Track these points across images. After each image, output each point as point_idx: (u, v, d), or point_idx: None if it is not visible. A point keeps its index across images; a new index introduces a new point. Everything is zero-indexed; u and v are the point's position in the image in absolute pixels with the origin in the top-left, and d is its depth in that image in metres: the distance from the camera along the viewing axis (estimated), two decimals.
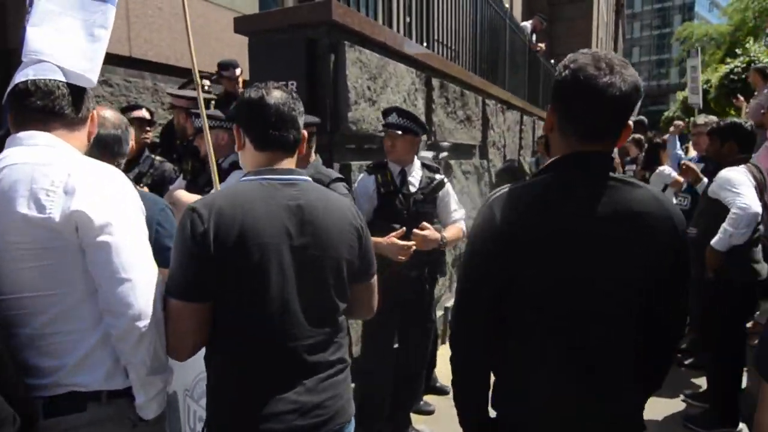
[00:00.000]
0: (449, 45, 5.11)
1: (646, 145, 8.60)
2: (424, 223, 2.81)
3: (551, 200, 1.21)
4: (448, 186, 3.03)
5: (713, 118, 4.46)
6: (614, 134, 1.24)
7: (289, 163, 1.48)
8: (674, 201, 4.44)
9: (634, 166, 7.83)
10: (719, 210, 3.04)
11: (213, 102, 3.96)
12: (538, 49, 9.20)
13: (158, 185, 3.20)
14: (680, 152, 6.55)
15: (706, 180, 3.53)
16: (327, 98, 2.93)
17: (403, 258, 2.74)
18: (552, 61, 11.48)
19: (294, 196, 1.40)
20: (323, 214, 1.43)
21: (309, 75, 2.86)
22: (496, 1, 6.61)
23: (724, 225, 2.94)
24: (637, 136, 8.37)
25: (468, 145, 5.35)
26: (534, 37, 9.39)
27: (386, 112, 2.86)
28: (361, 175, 2.90)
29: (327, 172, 2.61)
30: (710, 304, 3.10)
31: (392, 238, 2.72)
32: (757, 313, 3.83)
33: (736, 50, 15.70)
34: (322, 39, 2.89)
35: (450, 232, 3.05)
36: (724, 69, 12.33)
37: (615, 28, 29.83)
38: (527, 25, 9.41)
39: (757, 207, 2.89)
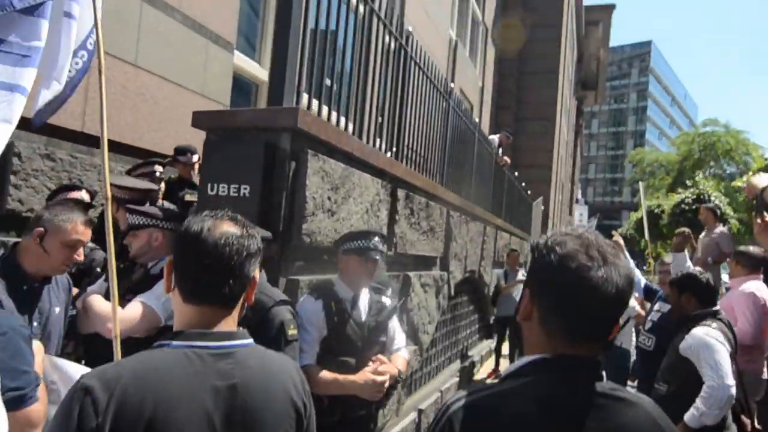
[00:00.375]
0: (419, 152, 5.07)
1: None
2: (381, 356, 2.58)
3: (529, 421, 0.95)
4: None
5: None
6: (606, 334, 1.02)
7: (227, 321, 1.19)
8: (635, 340, 4.28)
9: None
10: (692, 369, 2.87)
11: (161, 190, 3.69)
12: (504, 162, 9.43)
13: (82, 275, 2.83)
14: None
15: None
16: (282, 207, 2.69)
17: (379, 397, 2.45)
18: (516, 173, 11.84)
19: (226, 373, 1.11)
20: (260, 396, 1.14)
21: (265, 181, 2.64)
22: (466, 113, 6.77)
23: (698, 402, 2.76)
24: None
25: (429, 257, 5.17)
26: (500, 151, 9.68)
27: (366, 235, 2.62)
28: (305, 297, 2.58)
29: (271, 292, 2.32)
30: None
31: (369, 374, 2.44)
32: None
33: (687, 182, 16.71)
34: (283, 145, 2.70)
35: (400, 363, 2.78)
36: (675, 198, 13.00)
37: (574, 146, 31.70)
38: (495, 138, 9.73)
39: (732, 387, 2.72)
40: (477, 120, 7.90)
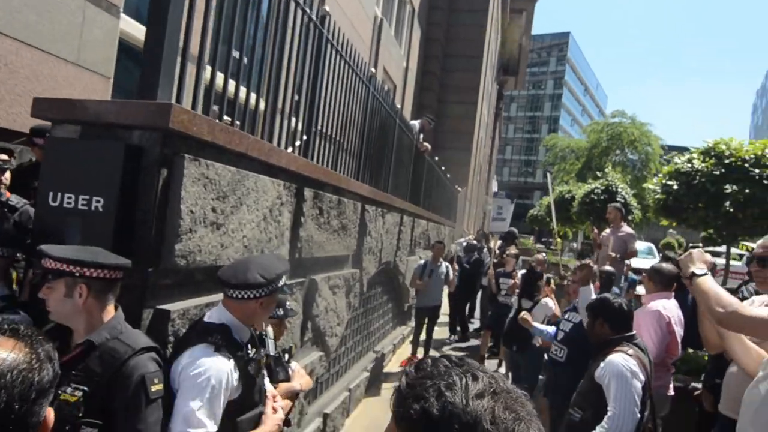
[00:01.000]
0: (334, 137, 4.64)
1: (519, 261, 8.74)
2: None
3: None
4: None
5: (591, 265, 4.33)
6: None
7: None
8: (550, 351, 4.17)
9: (510, 281, 7.84)
10: (605, 397, 2.73)
11: (3, 183, 3.02)
12: (425, 149, 9.19)
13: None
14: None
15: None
16: (148, 224, 2.19)
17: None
18: (436, 157, 11.68)
19: None
20: None
21: (124, 192, 2.11)
22: (387, 99, 6.38)
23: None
24: (515, 250, 8.50)
25: (340, 256, 4.80)
26: (421, 136, 9.42)
27: (278, 278, 2.16)
28: (212, 358, 1.93)
29: (130, 337, 1.85)
30: None
31: (274, 420, 2.20)
32: None
33: (597, 172, 17.42)
34: (151, 147, 2.18)
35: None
36: (585, 188, 13.47)
37: (493, 128, 32.37)
38: (416, 123, 9.44)
39: (634, 422, 2.61)
40: (399, 102, 7.56)
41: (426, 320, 7.73)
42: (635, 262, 8.15)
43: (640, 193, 16.96)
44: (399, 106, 7.44)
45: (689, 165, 5.93)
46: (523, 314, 4.03)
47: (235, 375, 1.98)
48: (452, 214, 15.08)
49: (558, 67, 76.89)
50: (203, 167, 2.39)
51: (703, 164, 5.82)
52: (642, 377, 2.72)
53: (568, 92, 78.39)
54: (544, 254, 7.62)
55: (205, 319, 2.11)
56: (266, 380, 2.39)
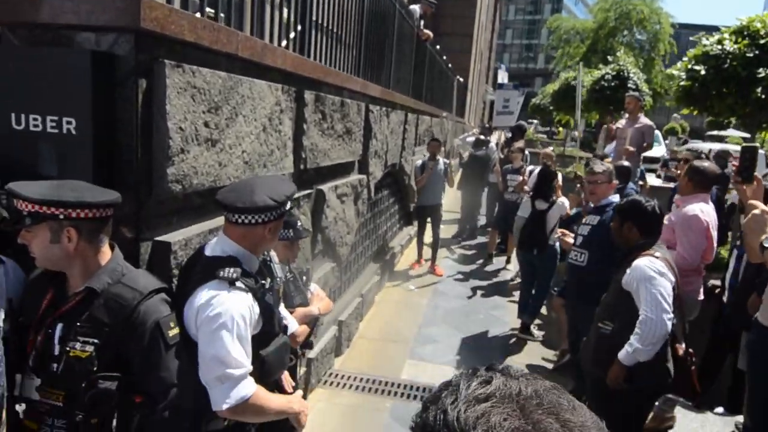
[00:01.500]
0: (331, 29, 4.15)
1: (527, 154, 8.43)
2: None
3: None
4: None
5: (609, 167, 4.02)
6: None
7: None
8: (569, 257, 4.00)
9: (518, 177, 7.58)
10: (635, 305, 2.60)
11: None
12: (427, 37, 8.50)
13: None
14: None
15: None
16: (133, 147, 1.88)
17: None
18: (438, 46, 10.92)
19: None
20: None
21: (98, 109, 1.78)
22: None
23: (631, 338, 2.52)
24: (521, 144, 8.14)
25: (346, 163, 4.50)
26: (422, 23, 8.69)
27: (287, 200, 1.89)
28: (229, 292, 1.71)
29: (134, 279, 1.63)
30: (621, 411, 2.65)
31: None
32: None
33: (608, 57, 16.49)
34: (123, 53, 1.81)
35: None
36: (595, 74, 12.76)
37: (494, 10, 30.41)
38: (416, 9, 8.65)
39: (668, 325, 2.47)
40: None
41: (428, 220, 7.58)
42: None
43: (651, 77, 16.20)
44: None
45: (719, 47, 5.42)
46: (562, 234, 3.77)
47: (256, 309, 1.79)
48: (455, 107, 14.49)
49: None
50: (189, 74, 2.03)
51: (736, 45, 5.32)
52: (672, 277, 2.58)
53: None
54: (551, 147, 7.31)
55: (207, 252, 1.84)
56: (281, 307, 2.23)
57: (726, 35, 5.56)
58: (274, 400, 1.85)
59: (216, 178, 2.31)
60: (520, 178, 7.29)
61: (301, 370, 3.59)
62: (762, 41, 5.20)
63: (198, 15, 2.16)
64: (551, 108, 21.03)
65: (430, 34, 9.41)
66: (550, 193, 5.27)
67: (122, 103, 1.85)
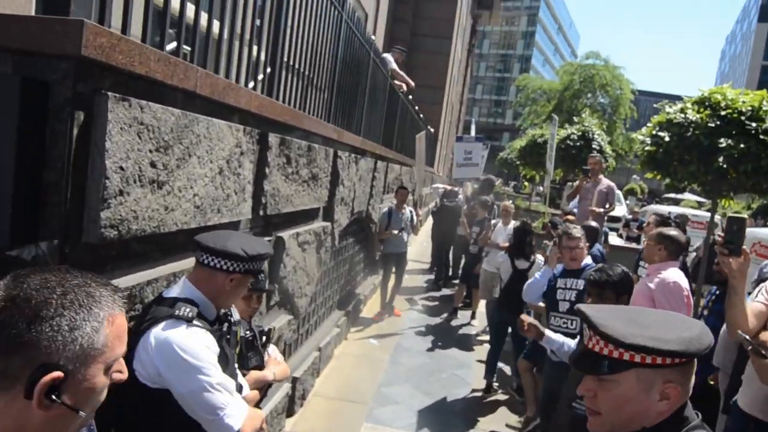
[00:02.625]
0: (303, 71, 4.04)
1: (495, 207, 8.41)
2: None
3: None
4: None
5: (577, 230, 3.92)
6: None
7: None
8: (550, 323, 3.82)
9: (478, 229, 7.52)
10: None
11: None
12: (408, 84, 8.56)
13: None
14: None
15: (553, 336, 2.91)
16: (62, 186, 1.65)
17: None
18: (410, 96, 11.03)
19: None
20: None
21: (24, 143, 1.56)
22: (360, 27, 5.70)
23: None
24: (485, 198, 8.12)
25: (310, 209, 4.31)
26: (396, 69, 8.76)
27: (258, 258, 1.86)
28: (189, 328, 1.66)
29: None
30: None
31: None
32: None
33: (574, 118, 17.06)
34: (60, 82, 1.61)
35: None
36: (561, 133, 13.12)
37: (466, 65, 31.40)
38: (389, 57, 8.74)
39: None
40: (372, 33, 6.86)
41: (393, 268, 7.43)
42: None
43: (613, 138, 16.77)
44: (374, 40, 6.76)
45: (682, 116, 5.55)
46: (529, 320, 3.14)
47: (216, 349, 1.73)
48: (426, 157, 14.57)
49: (533, 2, 74.79)
50: (136, 109, 1.83)
51: (698, 115, 5.45)
52: None
53: (541, 30, 76.77)
54: (511, 201, 7.32)
55: (164, 294, 1.82)
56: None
57: (689, 104, 5.72)
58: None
59: (161, 223, 2.09)
60: (483, 231, 7.23)
61: None
62: (722, 112, 5.35)
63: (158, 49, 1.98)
64: (518, 163, 21.51)
65: (412, 83, 9.47)
66: (530, 251, 5.16)
67: (54, 138, 1.63)
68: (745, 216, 2.40)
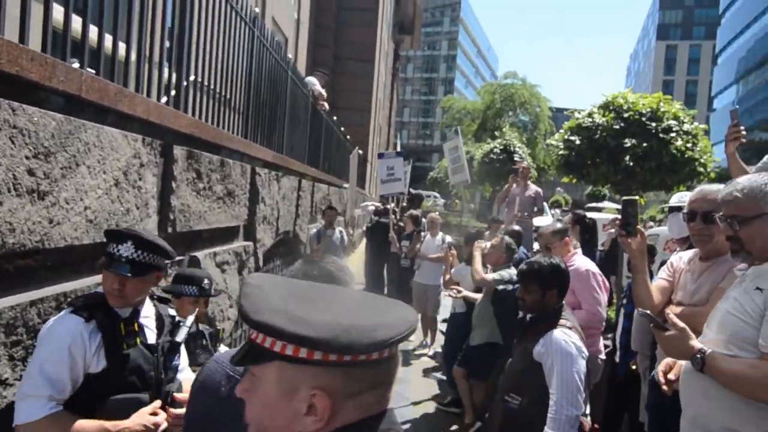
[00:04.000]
0: (216, 89, 3.93)
1: (424, 221, 8.49)
2: (178, 395, 1.90)
3: None
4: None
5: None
6: None
7: None
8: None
9: (408, 242, 7.54)
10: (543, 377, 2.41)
11: None
12: (323, 106, 8.54)
13: None
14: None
15: None
16: None
17: None
18: (335, 117, 11.06)
19: None
20: None
21: None
22: (277, 46, 5.66)
23: (548, 428, 2.30)
24: (415, 212, 8.19)
25: (229, 227, 4.15)
26: (324, 93, 8.77)
27: (112, 237, 1.82)
28: (64, 315, 1.77)
29: None
30: None
31: (147, 416, 1.76)
32: None
33: (495, 132, 17.72)
34: None
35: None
36: (485, 148, 13.57)
37: (391, 89, 32.05)
38: (313, 80, 8.74)
39: (581, 410, 2.31)
40: (291, 57, 6.82)
41: None
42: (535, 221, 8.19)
43: (535, 152, 17.55)
44: (292, 59, 6.73)
45: (590, 120, 5.88)
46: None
47: (94, 341, 1.74)
48: (352, 179, 14.60)
49: (452, 27, 77.82)
50: (6, 111, 1.68)
51: (603, 119, 5.79)
52: (585, 352, 2.43)
53: (461, 53, 79.87)
54: (437, 212, 7.44)
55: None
56: (185, 376, 2.04)
57: (595, 109, 6.06)
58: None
59: (45, 237, 1.91)
60: (412, 243, 7.27)
61: None
62: (626, 114, 5.70)
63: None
64: (447, 181, 22.08)
65: (327, 105, 9.50)
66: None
67: None
68: (637, 198, 2.51)
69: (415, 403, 5.27)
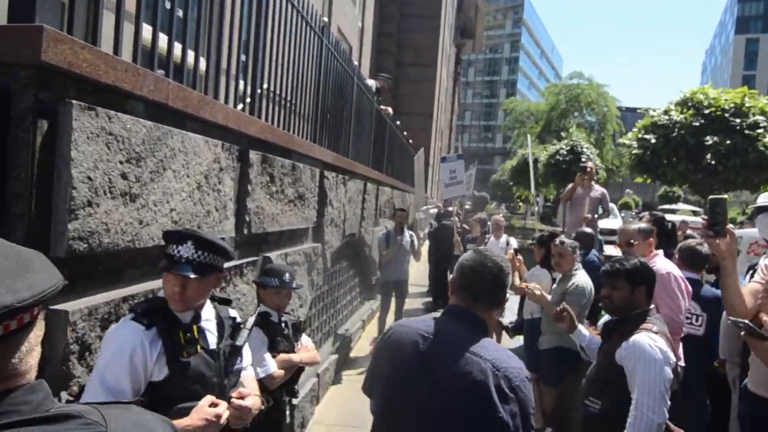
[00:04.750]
0: (286, 97, 4.05)
1: (489, 224, 8.37)
2: (242, 390, 1.95)
3: None
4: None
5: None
6: None
7: None
8: None
9: (473, 247, 7.44)
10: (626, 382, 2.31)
11: None
12: (386, 112, 8.60)
13: None
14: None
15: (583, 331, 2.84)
16: (25, 197, 1.61)
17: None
18: (398, 122, 11.12)
19: None
20: None
21: None
22: (343, 54, 5.77)
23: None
24: (482, 215, 8.10)
25: (299, 229, 4.26)
26: (380, 98, 8.84)
27: (172, 238, 1.82)
28: (123, 322, 1.79)
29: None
30: None
31: (206, 410, 1.73)
32: None
33: (561, 133, 17.24)
34: (20, 91, 1.59)
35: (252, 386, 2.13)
36: (551, 149, 13.22)
37: (452, 93, 31.90)
38: (373, 83, 8.83)
39: (665, 417, 2.19)
40: (356, 63, 6.93)
41: (393, 295, 7.18)
42: (599, 224, 7.87)
43: (603, 153, 16.92)
44: (357, 66, 6.83)
45: (666, 117, 5.59)
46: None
47: (155, 349, 1.74)
48: (418, 183, 14.63)
49: (514, 29, 76.56)
50: (103, 119, 1.80)
51: (682, 116, 5.49)
52: (672, 358, 2.29)
53: (524, 55, 78.38)
54: (501, 214, 7.28)
55: None
56: (247, 374, 2.10)
57: (672, 106, 5.76)
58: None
59: (135, 237, 2.03)
60: (478, 246, 7.17)
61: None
62: (706, 111, 5.38)
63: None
64: (510, 183, 21.66)
65: (390, 110, 9.57)
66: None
67: (16, 147, 1.59)
68: (725, 196, 2.35)
69: None
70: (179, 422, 1.68)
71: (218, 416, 1.73)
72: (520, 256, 5.49)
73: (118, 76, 1.86)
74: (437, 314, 1.78)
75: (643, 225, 3.50)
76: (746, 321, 1.76)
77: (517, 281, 5.17)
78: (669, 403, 2.21)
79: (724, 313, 2.91)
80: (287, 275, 2.83)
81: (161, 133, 2.14)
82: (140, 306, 1.82)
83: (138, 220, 2.04)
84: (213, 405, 1.76)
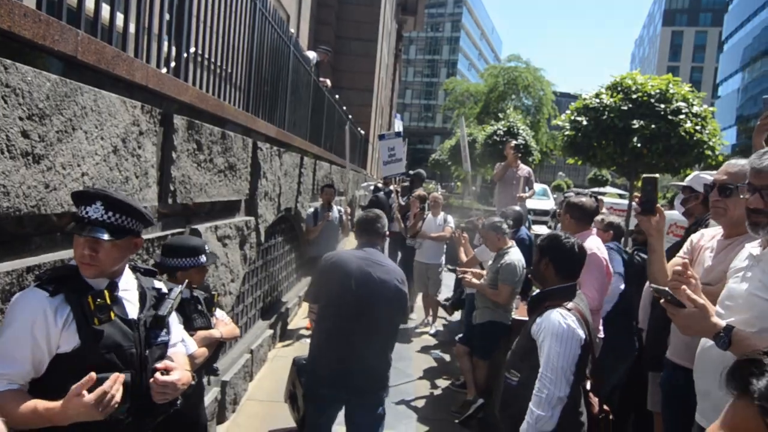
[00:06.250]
0: (217, 62, 3.84)
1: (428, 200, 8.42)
2: (167, 362, 1.79)
3: None
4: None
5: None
6: None
7: None
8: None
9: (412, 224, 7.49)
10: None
11: None
12: (324, 84, 8.41)
13: None
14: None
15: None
16: None
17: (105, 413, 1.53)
18: (337, 96, 10.92)
19: None
20: None
21: None
22: (279, 21, 5.54)
23: (531, 405, 2.27)
24: (421, 192, 8.11)
25: (230, 201, 4.09)
26: (318, 71, 8.62)
27: (80, 198, 1.65)
28: (29, 291, 1.63)
29: None
30: None
31: (84, 396, 1.49)
32: None
33: (499, 114, 17.55)
34: None
35: (182, 362, 1.97)
36: (488, 129, 13.45)
37: (393, 70, 31.74)
38: (313, 55, 8.59)
39: (566, 391, 2.25)
40: (293, 32, 6.69)
41: None
42: (531, 204, 8.11)
43: (538, 137, 17.39)
44: (294, 34, 6.60)
45: (597, 100, 5.78)
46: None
47: (60, 317, 1.60)
48: (356, 158, 14.50)
49: (455, 9, 76.94)
50: None
51: (611, 99, 5.69)
52: (581, 335, 2.35)
53: (465, 35, 79.04)
54: (439, 192, 7.36)
55: None
56: (176, 350, 1.95)
57: (603, 90, 5.96)
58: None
59: (41, 202, 1.85)
60: (414, 222, 7.22)
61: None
62: (634, 96, 5.60)
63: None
64: (449, 163, 21.94)
65: (329, 82, 9.36)
66: None
67: None
68: (657, 176, 2.44)
69: (419, 379, 5.27)
70: (50, 404, 1.52)
71: (100, 397, 1.50)
72: (465, 234, 5.57)
73: (14, 21, 1.66)
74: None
75: (584, 200, 3.55)
76: (667, 288, 1.82)
77: (462, 257, 5.25)
78: (571, 378, 2.27)
79: (646, 285, 3.05)
80: (207, 248, 2.69)
81: (69, 89, 1.94)
82: (46, 273, 1.68)
83: (44, 183, 1.85)
84: (98, 382, 1.52)
